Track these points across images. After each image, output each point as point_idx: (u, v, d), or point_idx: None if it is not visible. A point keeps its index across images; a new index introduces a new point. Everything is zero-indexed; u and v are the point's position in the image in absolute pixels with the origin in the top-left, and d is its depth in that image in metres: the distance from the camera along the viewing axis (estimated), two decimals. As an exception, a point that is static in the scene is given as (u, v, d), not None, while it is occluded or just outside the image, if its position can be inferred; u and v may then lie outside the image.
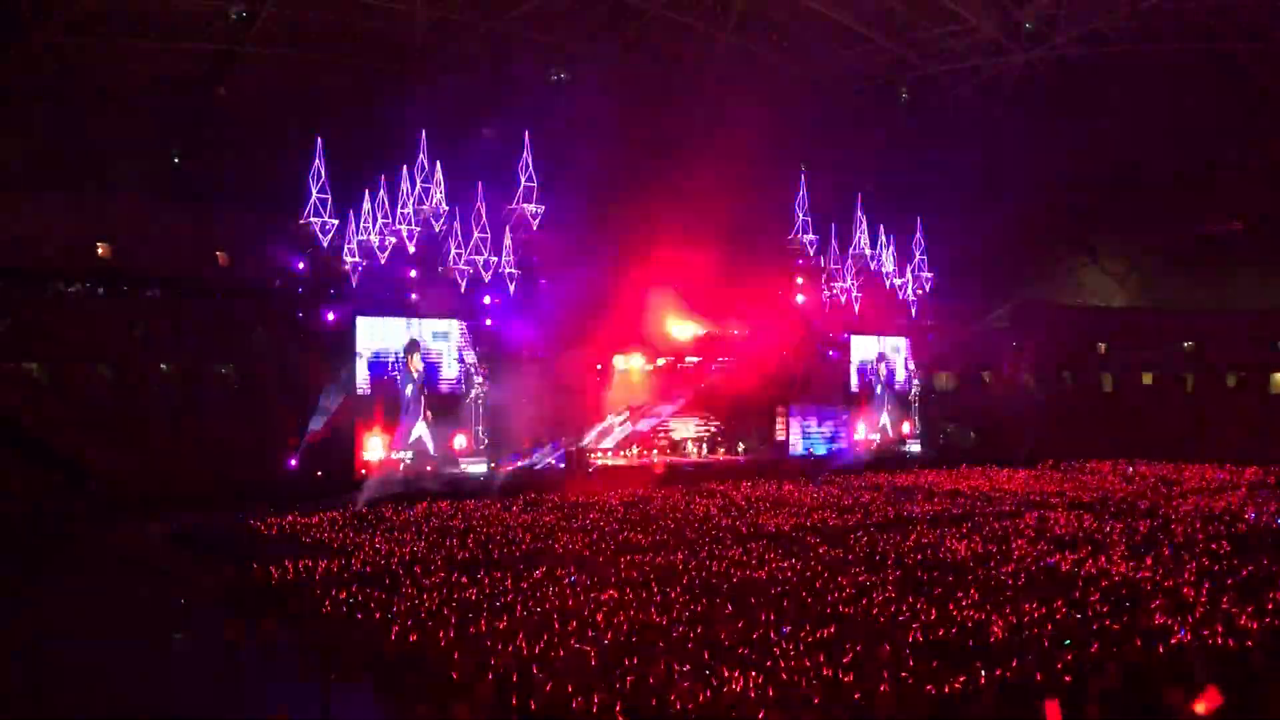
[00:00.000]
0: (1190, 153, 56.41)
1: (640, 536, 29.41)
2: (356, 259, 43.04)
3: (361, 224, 43.13)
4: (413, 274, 44.18)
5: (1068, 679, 15.82)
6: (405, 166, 44.10)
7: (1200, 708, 10.57)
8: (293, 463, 40.66)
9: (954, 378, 63.84)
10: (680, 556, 26.10)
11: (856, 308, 55.59)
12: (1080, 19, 46.75)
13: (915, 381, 58.11)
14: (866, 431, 56.06)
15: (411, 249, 43.80)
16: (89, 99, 44.47)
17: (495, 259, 44.77)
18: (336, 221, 42.77)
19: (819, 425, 54.67)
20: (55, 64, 43.11)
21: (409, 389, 42.97)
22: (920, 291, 57.17)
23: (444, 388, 43.96)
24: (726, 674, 15.70)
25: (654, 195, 48.61)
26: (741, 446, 54.25)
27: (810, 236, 53.63)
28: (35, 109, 44.25)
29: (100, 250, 47.07)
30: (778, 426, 54.22)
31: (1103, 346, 64.95)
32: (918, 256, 56.78)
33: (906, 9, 47.42)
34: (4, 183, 44.04)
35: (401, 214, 43.73)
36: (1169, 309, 64.13)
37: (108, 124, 44.97)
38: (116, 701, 16.58)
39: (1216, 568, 24.20)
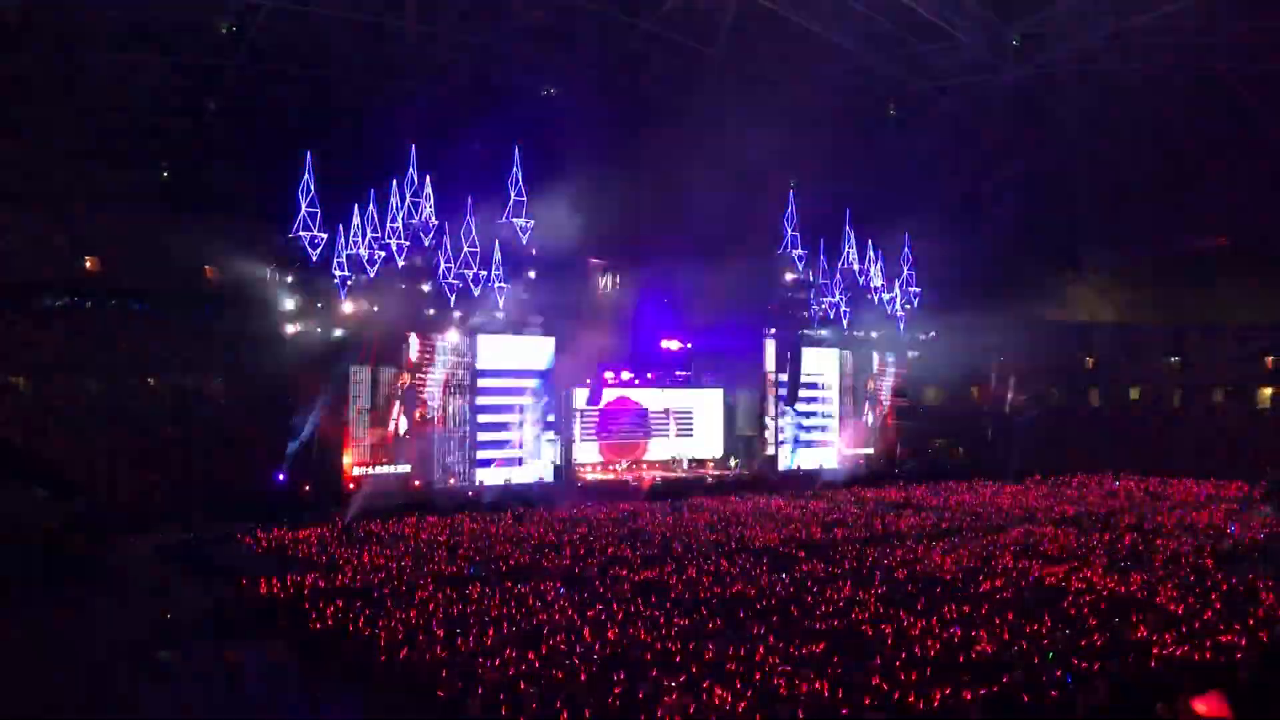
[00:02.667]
0: (1176, 169, 56.73)
1: (628, 551, 29.41)
2: (346, 273, 42.98)
3: (351, 238, 43.09)
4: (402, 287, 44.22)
5: (1054, 693, 15.91)
6: (394, 180, 44.10)
7: (1201, 708, 10.51)
8: (281, 476, 40.53)
9: (942, 392, 64.01)
10: (668, 571, 26.12)
11: (845, 322, 55.72)
12: (1067, 37, 47.10)
13: (904, 395, 58.32)
14: (855, 446, 56.18)
15: (401, 263, 43.77)
16: (77, 111, 44.35)
17: (484, 273, 44.78)
18: (326, 236, 42.73)
19: (807, 439, 54.74)
20: (44, 77, 43.02)
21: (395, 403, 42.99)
22: (908, 306, 57.34)
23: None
24: (714, 688, 15.73)
25: (642, 209, 48.68)
26: (733, 461, 54.26)
27: (799, 251, 53.80)
28: (23, 121, 44.09)
29: (88, 263, 46.88)
30: (766, 440, 54.25)
31: (1090, 361, 65.25)
32: (905, 271, 56.98)
33: (895, 26, 47.69)
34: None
35: (391, 228, 43.70)
36: (1155, 324, 64.42)
37: (95, 136, 44.88)
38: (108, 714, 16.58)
39: (1206, 583, 24.34)
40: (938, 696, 15.57)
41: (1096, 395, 64.81)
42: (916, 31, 47.53)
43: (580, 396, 49.67)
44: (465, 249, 44.25)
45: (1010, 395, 61.48)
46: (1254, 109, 50.22)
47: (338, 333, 42.73)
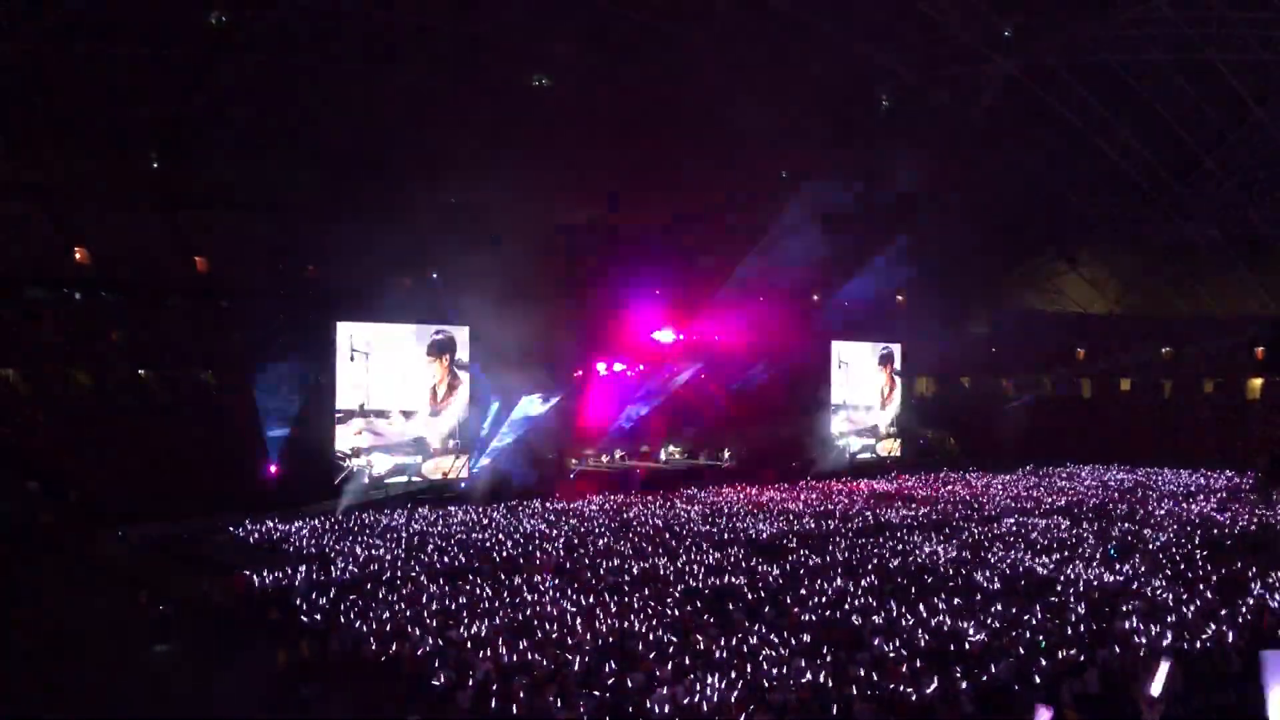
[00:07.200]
0: (1168, 160, 56.81)
1: (620, 542, 29.42)
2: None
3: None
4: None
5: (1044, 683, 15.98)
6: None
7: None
8: (272, 469, 40.46)
9: (935, 383, 64.12)
10: (660, 562, 26.13)
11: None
12: (1060, 28, 47.11)
13: (896, 387, 58.39)
14: (848, 436, 56.22)
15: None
16: (66, 103, 44.16)
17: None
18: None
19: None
20: (32, 69, 42.79)
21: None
22: (901, 298, 57.31)
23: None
24: (706, 680, 15.75)
25: (636, 202, 48.65)
26: (726, 453, 54.23)
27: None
28: (12, 113, 43.88)
29: (77, 255, 46.77)
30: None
31: (1081, 352, 65.38)
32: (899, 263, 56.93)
33: (887, 17, 47.61)
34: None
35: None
36: (1147, 315, 64.59)
37: (85, 128, 44.69)
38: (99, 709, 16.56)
39: (1195, 573, 24.45)
40: (928, 686, 15.60)
41: (1088, 386, 64.97)
42: (910, 23, 47.49)
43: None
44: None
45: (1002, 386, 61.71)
46: (1246, 99, 50.28)
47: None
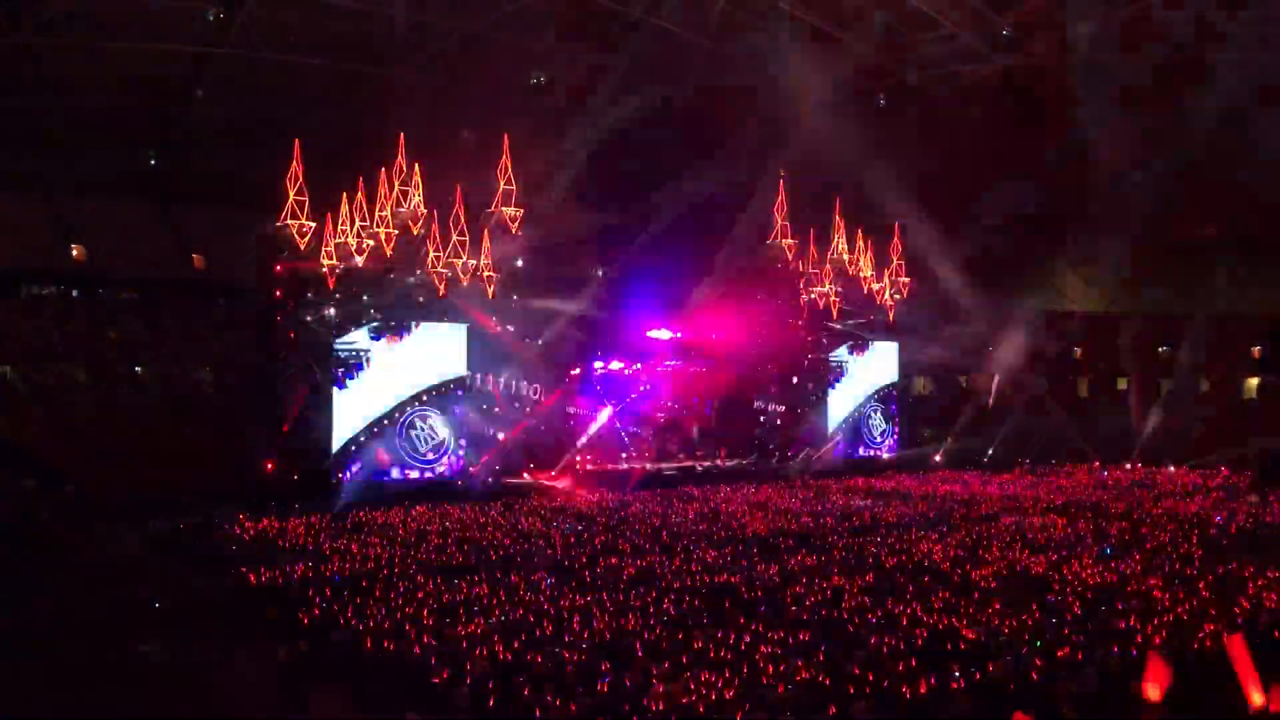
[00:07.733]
0: (1165, 159, 56.74)
1: (618, 540, 29.39)
2: (334, 262, 42.71)
3: (339, 227, 42.78)
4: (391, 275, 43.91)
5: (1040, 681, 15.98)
6: (383, 169, 43.79)
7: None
8: (269, 466, 40.42)
9: (931, 382, 64.04)
10: (657, 560, 26.12)
11: (834, 312, 55.63)
12: (1058, 27, 47.10)
13: (893, 385, 58.37)
14: (844, 435, 56.18)
15: (389, 252, 43.46)
16: (63, 99, 44.10)
17: (474, 262, 44.55)
18: (314, 225, 42.43)
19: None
20: (29, 64, 42.73)
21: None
22: (898, 296, 57.32)
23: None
24: (703, 678, 15.74)
25: (631, 199, 48.56)
26: (724, 452, 54.16)
27: (789, 241, 53.72)
28: (7, 109, 43.82)
29: (74, 252, 46.72)
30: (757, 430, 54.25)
31: (1078, 351, 65.32)
32: (895, 261, 56.95)
33: (884, 14, 47.59)
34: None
35: (379, 216, 43.41)
36: (1144, 314, 64.45)
37: (82, 124, 44.63)
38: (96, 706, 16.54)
39: (1188, 570, 24.46)
40: (925, 685, 15.61)
41: (1085, 385, 64.91)
42: (907, 20, 47.48)
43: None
44: (454, 238, 44.00)
45: (996, 385, 61.65)
46: (1243, 99, 50.26)
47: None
